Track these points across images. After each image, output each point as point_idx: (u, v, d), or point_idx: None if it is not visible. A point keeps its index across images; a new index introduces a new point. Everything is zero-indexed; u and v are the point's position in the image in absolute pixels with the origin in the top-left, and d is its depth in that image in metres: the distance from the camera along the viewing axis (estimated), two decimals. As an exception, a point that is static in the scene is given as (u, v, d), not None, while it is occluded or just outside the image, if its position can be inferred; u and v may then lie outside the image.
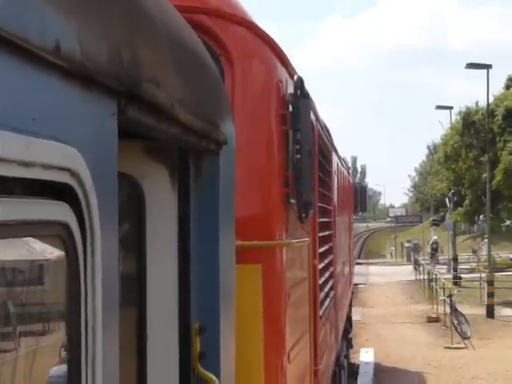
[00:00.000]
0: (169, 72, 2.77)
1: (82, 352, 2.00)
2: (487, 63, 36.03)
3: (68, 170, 1.82)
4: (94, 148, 2.01)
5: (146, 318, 3.20)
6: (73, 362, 1.99)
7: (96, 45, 1.96)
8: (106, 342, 2.08)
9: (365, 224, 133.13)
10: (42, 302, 2.03)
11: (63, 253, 1.91)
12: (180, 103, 2.72)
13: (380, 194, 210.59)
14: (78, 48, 1.82)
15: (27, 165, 1.65)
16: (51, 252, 1.93)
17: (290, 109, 5.67)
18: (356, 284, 32.67)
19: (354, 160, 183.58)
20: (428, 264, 48.90)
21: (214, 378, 3.28)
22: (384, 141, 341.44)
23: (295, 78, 5.96)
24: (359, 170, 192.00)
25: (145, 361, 3.20)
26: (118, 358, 2.26)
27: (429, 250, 55.72)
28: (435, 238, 52.51)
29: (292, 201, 5.71)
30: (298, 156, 5.66)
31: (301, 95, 5.81)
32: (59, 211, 1.86)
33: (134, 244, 3.21)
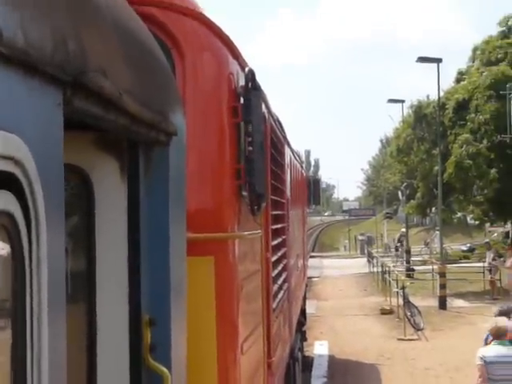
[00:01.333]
0: (117, 62, 2.75)
1: (27, 347, 1.97)
2: (438, 57, 36.36)
3: (11, 158, 1.80)
4: (39, 138, 1.99)
5: (95, 310, 3.18)
6: (18, 358, 1.97)
7: (40, 33, 1.93)
8: (52, 337, 2.06)
9: (319, 217, 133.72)
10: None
11: (7, 243, 1.88)
12: (128, 93, 2.70)
13: (334, 187, 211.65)
14: (21, 35, 1.80)
15: None
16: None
17: (242, 101, 5.67)
18: (310, 277, 32.82)
19: (308, 154, 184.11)
20: (393, 257, 49.10)
21: (164, 369, 3.27)
22: (337, 135, 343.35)
23: (246, 70, 5.96)
24: (312, 163, 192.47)
25: (95, 354, 3.18)
26: (66, 352, 2.23)
27: (396, 244, 55.68)
28: (403, 230, 52.52)
29: (244, 193, 5.71)
30: (250, 148, 5.66)
31: (252, 87, 5.82)
32: (3, 200, 1.83)
33: (82, 236, 3.18)
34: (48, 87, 2.03)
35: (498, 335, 9.68)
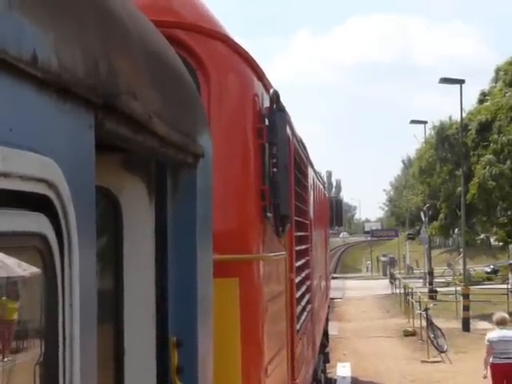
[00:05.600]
0: (146, 85, 2.77)
1: (59, 367, 1.98)
2: (460, 78, 36.36)
3: (46, 181, 1.81)
4: (72, 160, 2.00)
5: (123, 331, 3.18)
6: (50, 378, 1.97)
7: (72, 56, 1.95)
8: (83, 357, 2.06)
9: (340, 238, 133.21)
10: (18, 316, 2.01)
11: (41, 264, 1.90)
12: (157, 115, 2.72)
13: (355, 208, 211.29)
14: (55, 59, 1.82)
15: (4, 176, 1.64)
16: (29, 264, 1.92)
17: (266, 122, 5.69)
18: (332, 298, 32.71)
19: (329, 174, 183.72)
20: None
21: None
22: (359, 155, 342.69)
23: (271, 91, 5.98)
24: (334, 184, 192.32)
25: (122, 375, 3.18)
26: (96, 373, 2.24)
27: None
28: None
29: (269, 214, 5.72)
30: (275, 170, 5.67)
31: (277, 109, 5.83)
32: (37, 222, 1.85)
33: (111, 257, 3.19)
34: (80, 110, 2.04)
35: (501, 323, 14.82)
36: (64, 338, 1.98)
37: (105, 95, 2.15)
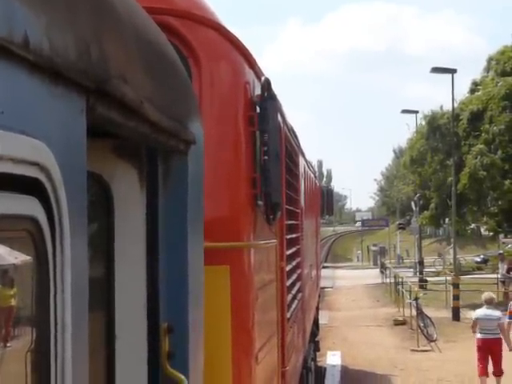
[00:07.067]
0: (137, 70, 2.77)
1: (51, 353, 1.98)
2: (452, 68, 36.35)
3: (37, 164, 1.81)
4: (63, 144, 2.00)
5: (114, 317, 3.19)
6: (42, 362, 1.98)
7: (64, 40, 1.95)
8: (75, 343, 2.07)
9: (331, 228, 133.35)
10: (9, 299, 2.01)
11: (32, 248, 1.90)
12: (149, 101, 2.72)
13: (346, 197, 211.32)
14: (46, 42, 1.82)
15: None
16: (20, 248, 1.92)
17: (258, 110, 5.68)
18: (323, 287, 32.77)
19: (320, 164, 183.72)
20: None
21: (182, 377, 3.27)
22: (349, 145, 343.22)
23: (262, 79, 5.97)
24: (325, 174, 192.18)
25: (113, 361, 3.19)
26: (87, 359, 2.24)
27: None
28: None
29: (259, 202, 5.72)
30: (266, 157, 5.66)
31: (268, 96, 5.83)
32: (28, 206, 1.84)
33: (102, 243, 3.19)
34: (72, 94, 2.04)
35: (489, 302, 17.02)
36: (56, 324, 1.98)
37: (96, 79, 2.14)
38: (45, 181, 1.86)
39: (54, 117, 1.94)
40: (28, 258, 1.92)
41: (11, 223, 1.82)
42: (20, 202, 1.82)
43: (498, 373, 16.88)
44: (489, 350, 16.71)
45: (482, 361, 16.78)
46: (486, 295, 17.69)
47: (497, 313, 17.17)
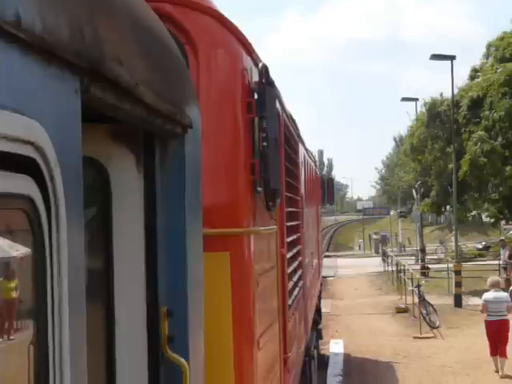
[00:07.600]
0: (132, 53, 2.76)
1: (48, 335, 1.98)
2: (451, 54, 36.27)
3: (31, 143, 1.81)
4: (58, 124, 2.00)
5: (113, 303, 3.19)
6: (40, 343, 1.97)
7: (57, 20, 1.95)
8: (73, 325, 2.06)
9: (333, 217, 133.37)
10: (6, 282, 2.01)
11: (28, 227, 1.89)
12: (144, 84, 2.71)
13: (347, 187, 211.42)
14: (39, 21, 1.81)
15: None
16: (15, 227, 1.92)
17: (256, 96, 5.67)
18: (325, 276, 32.80)
19: (321, 153, 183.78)
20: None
21: (182, 360, 3.28)
22: (350, 134, 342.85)
23: (260, 66, 5.96)
24: (326, 163, 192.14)
25: (113, 345, 3.19)
26: (86, 341, 2.24)
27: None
28: None
29: (259, 189, 5.71)
30: (264, 144, 5.66)
31: (266, 83, 5.82)
32: (23, 185, 1.84)
33: (100, 228, 3.19)
34: (65, 74, 2.04)
35: (496, 285, 17.81)
36: (53, 306, 1.98)
37: (90, 60, 2.14)
38: (40, 160, 1.86)
39: (48, 97, 1.94)
40: (24, 236, 1.91)
41: (6, 202, 1.82)
42: (15, 181, 1.82)
43: (503, 354, 17.42)
44: (497, 331, 17.30)
45: (493, 341, 17.46)
46: (492, 279, 18.46)
47: (504, 294, 17.92)
